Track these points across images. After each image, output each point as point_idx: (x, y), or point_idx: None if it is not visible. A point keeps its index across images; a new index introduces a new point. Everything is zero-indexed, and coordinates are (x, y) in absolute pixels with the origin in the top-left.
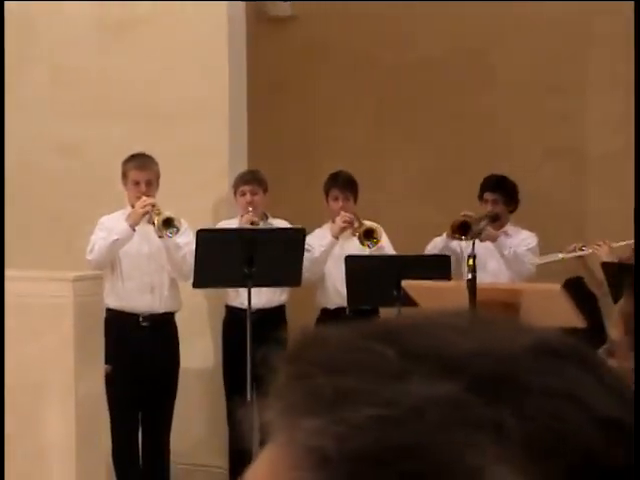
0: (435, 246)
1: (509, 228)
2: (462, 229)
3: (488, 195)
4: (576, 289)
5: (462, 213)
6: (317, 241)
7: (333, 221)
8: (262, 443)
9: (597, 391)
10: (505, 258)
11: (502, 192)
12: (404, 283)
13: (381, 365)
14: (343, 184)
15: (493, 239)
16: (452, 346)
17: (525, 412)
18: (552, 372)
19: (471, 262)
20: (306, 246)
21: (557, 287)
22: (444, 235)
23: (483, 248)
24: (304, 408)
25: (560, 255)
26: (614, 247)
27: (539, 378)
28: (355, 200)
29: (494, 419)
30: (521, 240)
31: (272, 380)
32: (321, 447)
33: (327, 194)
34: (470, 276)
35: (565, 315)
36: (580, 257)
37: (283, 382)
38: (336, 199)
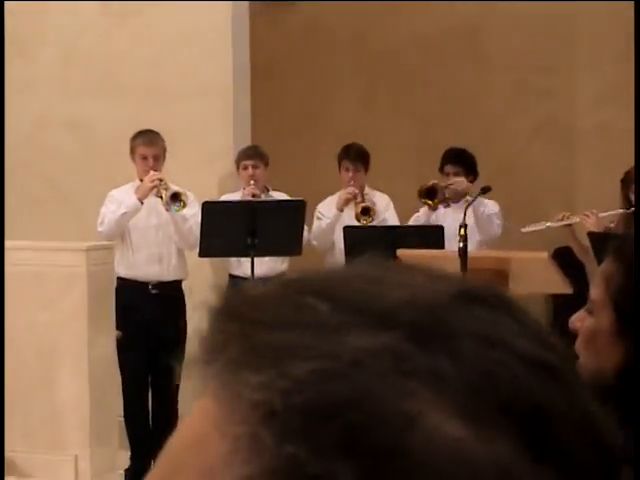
0: (417, 220)
1: (471, 198)
2: (429, 194)
3: (449, 168)
4: (564, 258)
5: (431, 182)
6: (326, 210)
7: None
8: None
9: (523, 335)
10: (477, 217)
11: (462, 164)
12: (399, 252)
13: (318, 319)
14: (354, 156)
15: (463, 193)
16: (383, 298)
17: (459, 358)
18: (480, 318)
19: (463, 232)
20: (317, 214)
21: (545, 255)
22: (425, 208)
23: (452, 219)
24: (246, 364)
25: (547, 223)
26: (601, 217)
27: (468, 324)
28: (366, 171)
29: (431, 366)
30: (485, 207)
31: (207, 339)
32: (267, 401)
33: (339, 164)
34: (461, 245)
35: (552, 282)
36: (568, 227)
37: (221, 339)
38: (347, 170)
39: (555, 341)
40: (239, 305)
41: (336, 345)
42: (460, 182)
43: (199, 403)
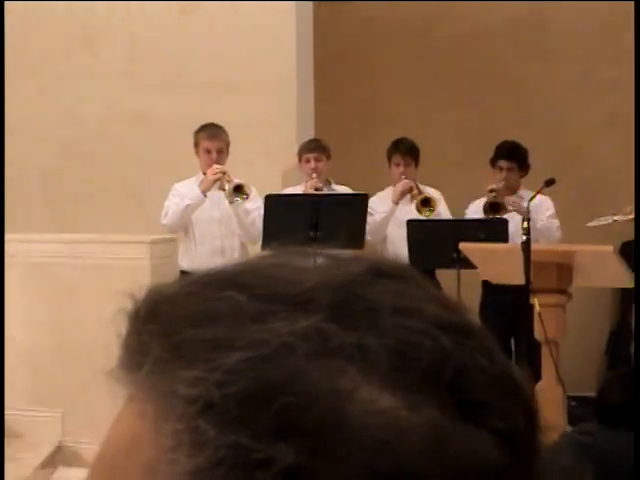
0: (477, 210)
1: (522, 192)
2: (493, 209)
3: (503, 163)
4: (631, 252)
5: (488, 188)
6: (378, 205)
7: (394, 186)
8: None
9: (433, 302)
10: (537, 231)
11: (516, 160)
12: (462, 246)
13: (237, 311)
14: (405, 150)
15: (520, 209)
16: (296, 283)
17: (380, 331)
18: (392, 291)
19: (526, 224)
20: (369, 210)
21: (610, 248)
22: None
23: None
24: (176, 361)
25: (614, 217)
26: None
27: (383, 298)
28: (416, 166)
29: (355, 342)
30: (539, 204)
31: (128, 342)
32: (203, 395)
33: (389, 160)
34: (525, 238)
35: (617, 276)
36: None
37: (144, 341)
38: (397, 165)
39: (461, 305)
40: (156, 305)
41: (261, 333)
42: (521, 206)
43: (127, 407)
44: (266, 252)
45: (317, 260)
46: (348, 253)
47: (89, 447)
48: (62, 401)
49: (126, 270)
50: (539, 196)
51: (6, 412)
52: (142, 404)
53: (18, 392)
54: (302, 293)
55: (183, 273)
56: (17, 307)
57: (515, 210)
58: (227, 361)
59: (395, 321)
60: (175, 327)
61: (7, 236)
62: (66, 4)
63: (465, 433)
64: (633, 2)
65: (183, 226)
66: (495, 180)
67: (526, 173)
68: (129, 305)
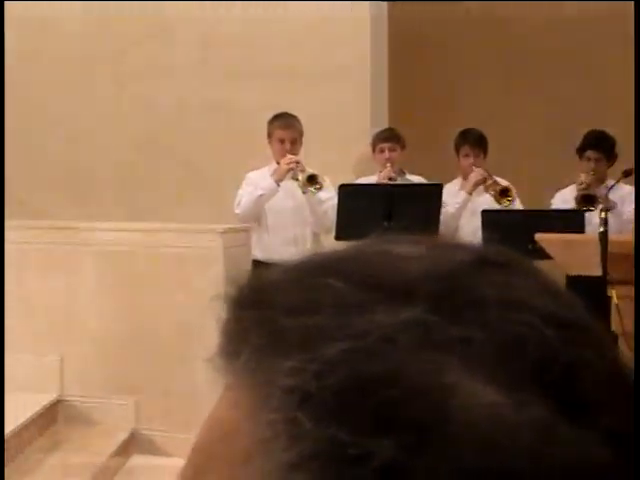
0: (563, 200)
1: (609, 182)
2: (586, 201)
3: (591, 154)
4: None
5: (579, 181)
6: (448, 196)
7: (464, 177)
8: None
9: (543, 295)
10: (624, 222)
11: (604, 150)
12: (538, 236)
13: (338, 300)
14: (474, 141)
15: (609, 203)
16: (402, 271)
17: (486, 324)
18: (500, 283)
19: (603, 214)
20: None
21: None
22: (572, 187)
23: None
24: (274, 350)
25: None
26: None
27: (489, 290)
28: (485, 157)
29: (460, 336)
30: (626, 194)
31: (228, 329)
32: (301, 385)
33: (458, 151)
34: (602, 229)
35: None
36: None
37: (243, 328)
38: (467, 156)
39: (574, 298)
40: (257, 292)
41: (362, 323)
42: (610, 200)
43: (225, 396)
44: (370, 239)
45: (421, 247)
46: (454, 240)
47: (163, 434)
48: (136, 389)
49: (199, 259)
50: (627, 187)
51: (81, 399)
52: (239, 393)
53: (92, 380)
54: (405, 283)
55: (256, 262)
56: (91, 295)
57: (604, 203)
58: (326, 352)
59: (501, 314)
60: (275, 315)
61: (82, 224)
62: None
63: (573, 433)
64: (633, 2)
65: (256, 215)
66: (582, 170)
67: (613, 163)
68: (231, 290)
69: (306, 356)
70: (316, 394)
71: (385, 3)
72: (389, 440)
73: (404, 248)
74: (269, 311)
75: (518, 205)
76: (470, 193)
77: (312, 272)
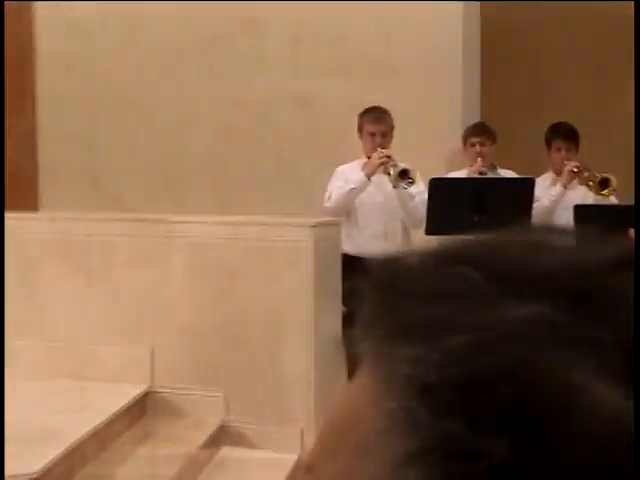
0: None
1: None
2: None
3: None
4: None
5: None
6: (539, 191)
7: (555, 172)
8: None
9: None
10: None
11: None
12: (631, 232)
13: (470, 289)
14: (566, 135)
15: None
16: (536, 264)
17: (617, 325)
18: (632, 284)
19: None
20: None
21: None
22: None
23: None
24: (400, 337)
25: None
26: None
27: (625, 291)
28: (576, 151)
29: (590, 335)
30: None
31: (360, 310)
32: (421, 375)
33: (549, 145)
34: None
35: None
36: None
37: (374, 312)
38: (558, 150)
39: None
40: (392, 276)
41: (490, 316)
42: None
43: (356, 379)
44: (509, 228)
45: (564, 240)
46: (599, 234)
47: (252, 427)
48: (225, 381)
49: (288, 253)
50: None
51: (171, 391)
52: (366, 379)
53: (182, 372)
54: (540, 276)
55: (346, 257)
56: (181, 288)
57: None
58: (449, 343)
59: (631, 318)
60: (405, 301)
61: (173, 217)
62: None
63: None
64: (633, 2)
65: (346, 209)
66: None
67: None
68: (369, 272)
69: (429, 346)
70: (435, 385)
71: (478, 3)
72: (506, 438)
73: (547, 240)
74: (401, 297)
75: (613, 200)
76: (565, 186)
77: (449, 260)
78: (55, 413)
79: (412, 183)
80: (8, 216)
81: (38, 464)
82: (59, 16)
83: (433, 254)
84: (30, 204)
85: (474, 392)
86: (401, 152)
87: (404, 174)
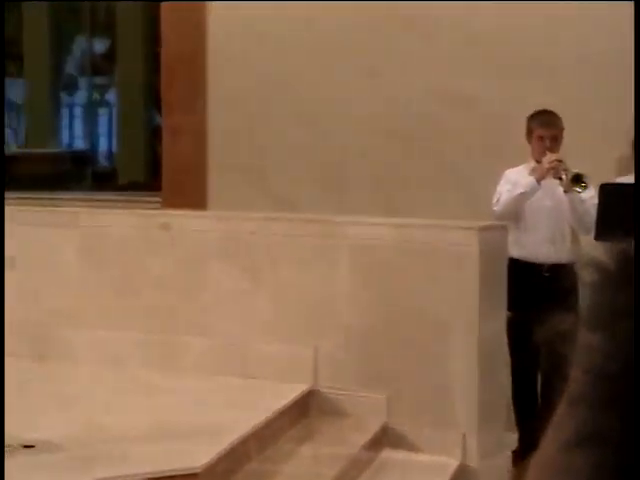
0: None
1: None
2: None
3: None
4: None
5: None
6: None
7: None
8: None
9: None
10: None
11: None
12: None
13: None
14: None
15: None
16: None
17: None
18: None
19: None
20: None
21: None
22: None
23: None
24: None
25: None
26: None
27: None
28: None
29: None
30: None
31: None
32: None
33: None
34: None
35: None
36: None
37: (618, 303)
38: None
39: None
40: (630, 272)
41: None
42: None
43: None
44: None
45: None
46: None
47: (413, 430)
48: (388, 382)
49: (453, 256)
50: None
51: (334, 391)
52: None
53: (345, 372)
54: None
55: (512, 261)
56: (345, 288)
57: None
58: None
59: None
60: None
61: (338, 218)
62: None
63: None
64: (633, 2)
65: (515, 214)
66: None
67: None
68: (605, 269)
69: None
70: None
71: None
72: None
73: None
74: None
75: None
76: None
77: None
78: (220, 410)
79: (586, 188)
80: (178, 214)
81: (202, 460)
82: (234, 16)
83: None
84: (199, 202)
85: (628, 386)
86: (569, 155)
87: (578, 179)
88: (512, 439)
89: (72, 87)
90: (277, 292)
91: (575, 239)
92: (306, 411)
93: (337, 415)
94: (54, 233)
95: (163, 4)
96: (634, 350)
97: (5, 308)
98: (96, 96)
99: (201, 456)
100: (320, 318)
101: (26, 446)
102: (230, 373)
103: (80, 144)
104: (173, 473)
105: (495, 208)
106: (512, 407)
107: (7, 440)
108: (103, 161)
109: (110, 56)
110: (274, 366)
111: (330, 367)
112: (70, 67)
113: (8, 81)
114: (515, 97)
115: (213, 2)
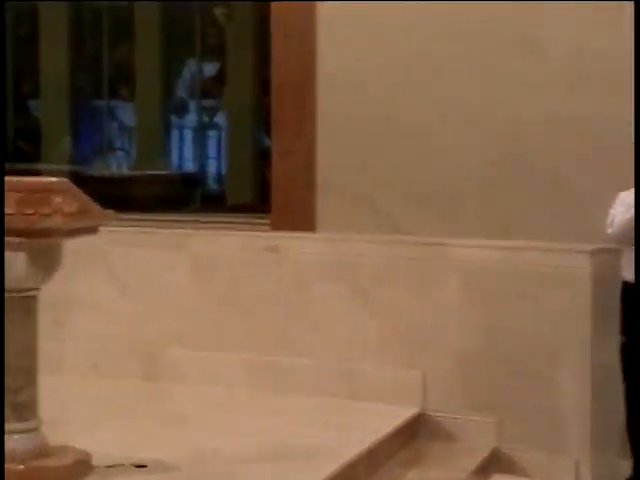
0: None
1: None
2: None
3: None
4: None
5: None
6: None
7: None
8: None
9: None
10: None
11: None
12: None
13: None
14: None
15: None
16: None
17: None
18: None
19: None
20: None
21: None
22: None
23: None
24: None
25: None
26: None
27: None
28: None
29: None
30: None
31: None
32: None
33: None
34: None
35: None
36: None
37: None
38: None
39: None
40: None
41: None
42: None
43: None
44: None
45: None
46: None
47: (524, 455)
48: (497, 407)
49: (565, 279)
50: None
51: (442, 415)
52: None
53: (454, 396)
54: None
55: (625, 284)
56: (455, 311)
57: None
58: None
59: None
60: None
61: (447, 240)
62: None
63: None
64: (633, 2)
65: (630, 236)
66: None
67: None
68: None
69: None
70: None
71: None
72: None
73: None
74: None
75: None
76: None
77: None
78: (326, 431)
79: None
80: (286, 235)
81: None
82: (344, 40)
83: None
84: (308, 224)
85: None
86: None
87: None
88: (626, 466)
89: (182, 110)
90: (384, 314)
91: None
92: (414, 435)
93: (446, 439)
94: (164, 255)
95: (273, 28)
96: (633, 352)
97: (116, 328)
98: (205, 119)
99: (309, 477)
100: (428, 341)
101: (138, 466)
102: (335, 394)
103: (189, 166)
104: None
105: (609, 231)
106: (626, 434)
107: (119, 460)
108: (212, 183)
109: (219, 79)
110: (382, 388)
111: (439, 390)
112: (180, 90)
113: (120, 104)
114: (621, 115)
115: (324, 28)
